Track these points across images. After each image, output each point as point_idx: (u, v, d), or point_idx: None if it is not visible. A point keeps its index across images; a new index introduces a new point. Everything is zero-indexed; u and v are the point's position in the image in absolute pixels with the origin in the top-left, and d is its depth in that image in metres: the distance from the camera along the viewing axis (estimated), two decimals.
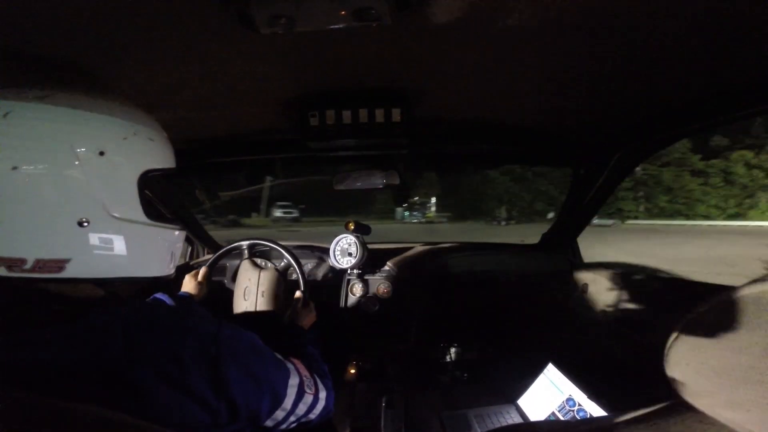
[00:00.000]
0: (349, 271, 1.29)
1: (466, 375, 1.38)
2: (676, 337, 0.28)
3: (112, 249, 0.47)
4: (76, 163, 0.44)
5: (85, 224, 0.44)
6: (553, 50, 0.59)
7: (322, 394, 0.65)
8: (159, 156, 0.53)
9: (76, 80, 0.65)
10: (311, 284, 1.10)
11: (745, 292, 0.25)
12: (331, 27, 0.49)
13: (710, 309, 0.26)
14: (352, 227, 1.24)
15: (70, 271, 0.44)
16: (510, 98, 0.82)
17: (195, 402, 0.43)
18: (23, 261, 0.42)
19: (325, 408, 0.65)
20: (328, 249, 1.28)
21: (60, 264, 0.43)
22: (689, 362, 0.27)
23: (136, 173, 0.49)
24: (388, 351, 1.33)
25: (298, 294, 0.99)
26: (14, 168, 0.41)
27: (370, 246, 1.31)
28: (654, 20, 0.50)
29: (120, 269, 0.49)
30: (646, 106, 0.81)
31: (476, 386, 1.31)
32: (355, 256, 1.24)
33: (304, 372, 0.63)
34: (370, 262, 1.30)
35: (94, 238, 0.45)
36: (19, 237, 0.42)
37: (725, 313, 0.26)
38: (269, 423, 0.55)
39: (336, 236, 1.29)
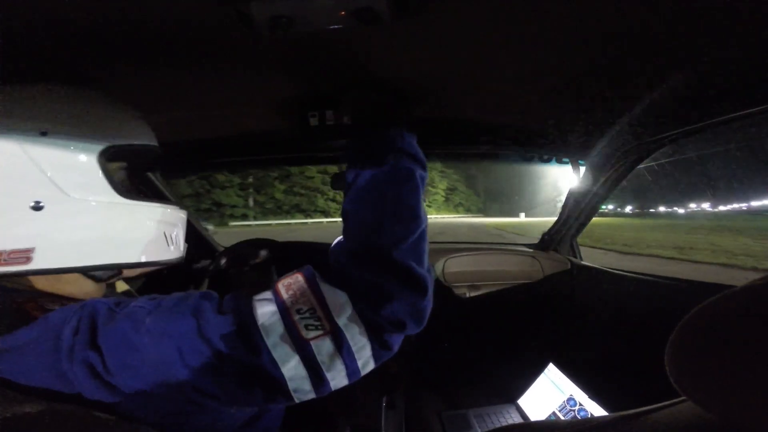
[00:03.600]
0: None
1: (466, 375, 1.38)
2: (678, 336, 0.28)
3: (81, 233, 0.44)
4: (15, 144, 0.42)
5: (42, 207, 0.42)
6: (552, 50, 0.59)
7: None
8: (121, 132, 0.50)
9: (78, 81, 0.65)
10: None
11: (748, 289, 0.25)
12: (331, 27, 0.49)
13: (711, 307, 0.26)
14: None
15: (39, 262, 0.42)
16: (510, 98, 0.82)
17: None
18: None
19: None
20: (328, 247, 1.28)
21: (25, 254, 0.41)
22: (690, 361, 0.27)
23: (94, 151, 0.46)
24: None
25: None
26: None
27: None
28: (653, 21, 0.50)
29: (100, 255, 0.45)
30: (645, 106, 0.81)
31: (476, 386, 1.31)
32: None
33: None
34: None
35: (54, 223, 0.42)
36: None
37: (727, 312, 0.26)
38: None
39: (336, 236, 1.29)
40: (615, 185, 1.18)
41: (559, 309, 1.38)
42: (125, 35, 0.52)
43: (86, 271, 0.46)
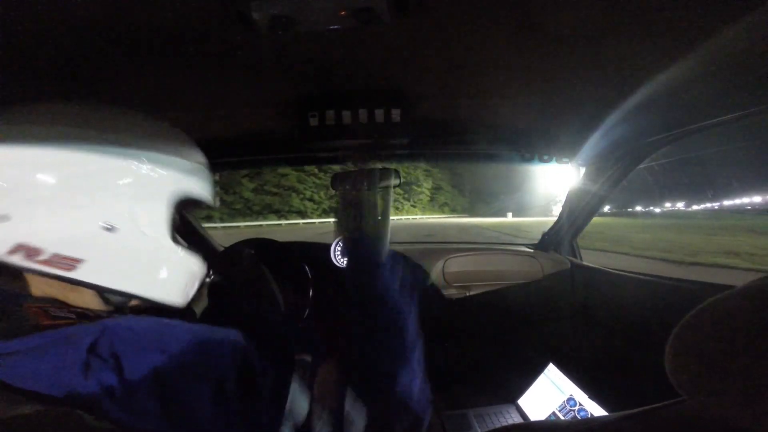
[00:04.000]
0: None
1: (466, 375, 1.38)
2: (678, 335, 0.28)
3: (127, 262, 0.47)
4: (122, 160, 0.45)
5: (111, 229, 0.45)
6: (552, 50, 0.59)
7: None
8: (199, 186, 0.54)
9: (79, 82, 0.66)
10: (311, 283, 1.09)
11: (747, 289, 0.25)
12: (331, 27, 0.49)
13: (711, 307, 0.26)
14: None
15: (81, 273, 0.43)
16: (510, 98, 0.82)
17: None
18: (39, 251, 0.42)
19: None
20: (328, 247, 1.28)
21: (73, 262, 0.43)
22: (691, 360, 0.27)
23: (174, 194, 0.50)
24: None
25: None
26: (61, 162, 0.42)
27: None
28: (651, 22, 0.50)
29: (130, 284, 0.47)
30: (646, 106, 0.81)
31: (476, 386, 1.31)
32: None
33: None
34: None
35: (114, 245, 0.45)
36: (45, 227, 0.42)
37: (727, 311, 0.26)
38: None
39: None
40: (615, 185, 1.18)
41: (559, 309, 1.38)
42: (125, 35, 0.52)
43: (114, 295, 0.48)
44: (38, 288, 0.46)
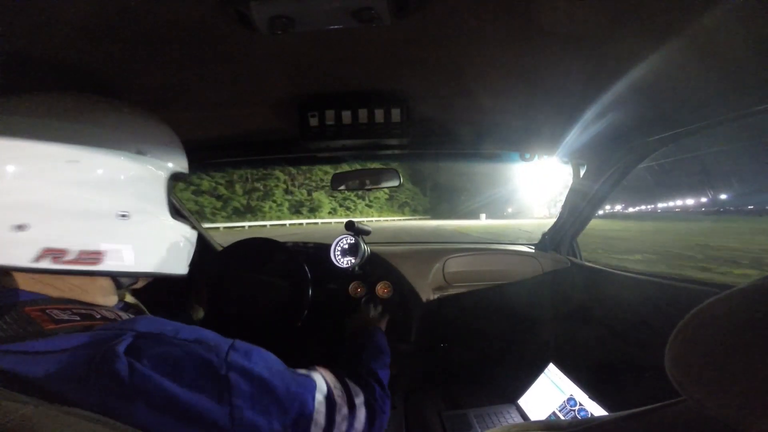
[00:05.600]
0: (349, 271, 1.29)
1: (466, 375, 1.38)
2: (678, 335, 0.28)
3: (144, 244, 0.50)
4: (117, 157, 0.47)
5: (127, 216, 0.47)
6: (553, 50, 0.59)
7: (359, 406, 0.56)
8: (184, 160, 0.58)
9: (80, 82, 0.66)
10: (311, 283, 1.09)
11: (748, 289, 0.25)
12: (331, 27, 0.49)
13: (712, 307, 0.26)
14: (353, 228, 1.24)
15: (106, 264, 0.46)
16: (510, 98, 0.82)
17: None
18: (65, 252, 0.43)
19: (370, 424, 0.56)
20: (329, 248, 1.28)
21: (97, 256, 0.45)
22: (691, 360, 0.27)
23: (167, 174, 0.54)
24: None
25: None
26: (70, 161, 0.44)
27: (370, 246, 1.31)
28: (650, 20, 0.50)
29: (145, 265, 0.50)
30: (645, 106, 0.81)
31: (476, 386, 1.31)
32: (356, 256, 1.24)
33: (331, 380, 0.56)
34: (370, 263, 1.30)
35: (131, 231, 0.48)
36: (67, 227, 0.44)
37: (727, 311, 0.26)
38: None
39: (336, 236, 1.29)
40: (615, 184, 1.18)
41: (559, 309, 1.38)
42: (124, 35, 0.53)
43: (135, 277, 0.52)
44: (50, 288, 0.45)
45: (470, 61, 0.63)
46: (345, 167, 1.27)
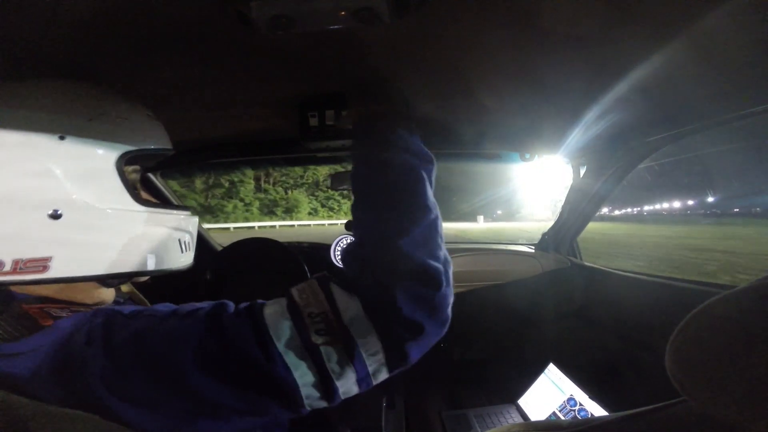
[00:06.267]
0: None
1: (466, 375, 1.38)
2: (679, 335, 0.28)
3: (99, 241, 0.43)
4: (34, 149, 0.40)
5: (60, 216, 0.40)
6: (554, 50, 0.59)
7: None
8: (139, 136, 0.48)
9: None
10: None
11: (748, 289, 0.25)
12: (331, 27, 0.49)
13: (712, 307, 0.26)
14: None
15: (56, 271, 0.41)
16: (510, 98, 0.82)
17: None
18: (1, 264, 0.39)
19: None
20: (328, 248, 1.28)
21: (42, 263, 0.40)
22: (692, 360, 0.27)
23: (112, 156, 0.45)
24: None
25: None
26: None
27: None
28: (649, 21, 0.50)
29: (117, 264, 0.44)
30: (646, 106, 0.81)
31: (476, 386, 1.31)
32: None
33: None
34: None
35: (72, 231, 0.41)
36: None
37: (727, 312, 0.26)
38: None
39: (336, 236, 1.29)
40: (615, 184, 1.18)
41: (559, 309, 1.38)
42: (123, 35, 0.52)
43: (102, 280, 0.45)
44: (48, 289, 0.45)
45: (470, 60, 0.63)
46: (344, 167, 1.27)
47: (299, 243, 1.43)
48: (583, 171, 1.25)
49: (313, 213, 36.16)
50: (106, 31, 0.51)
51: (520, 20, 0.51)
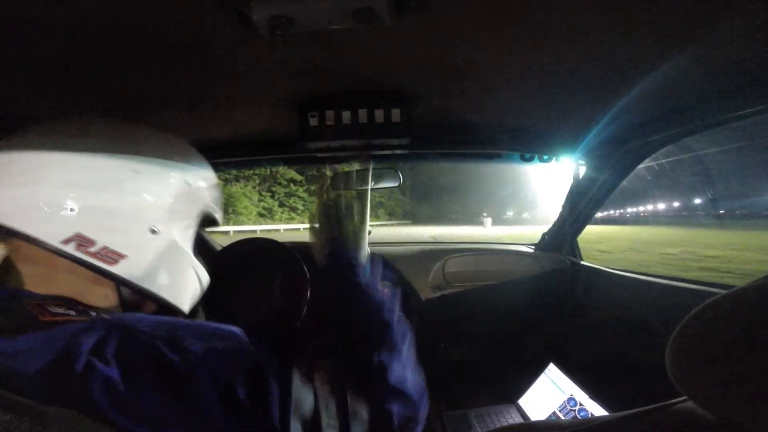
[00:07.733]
0: None
1: (466, 375, 1.38)
2: (679, 335, 0.28)
3: (160, 263, 0.51)
4: (172, 182, 0.52)
5: (156, 232, 0.50)
6: (552, 49, 0.59)
7: None
8: (219, 210, 0.61)
9: (80, 83, 0.66)
10: (309, 283, 1.09)
11: (747, 290, 0.25)
12: (331, 27, 0.49)
13: (712, 307, 0.26)
14: None
15: (121, 268, 0.46)
16: (510, 98, 0.82)
17: None
18: (92, 243, 0.45)
19: None
20: None
21: (117, 257, 0.46)
22: (691, 360, 0.27)
23: (201, 211, 0.57)
24: None
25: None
26: (133, 171, 0.48)
27: (369, 246, 1.31)
28: (649, 24, 0.50)
29: (156, 285, 0.51)
30: (646, 106, 0.81)
31: (476, 386, 1.31)
32: None
33: None
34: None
35: (155, 248, 0.50)
36: (104, 221, 0.46)
37: (727, 312, 0.26)
38: None
39: None
40: (615, 185, 1.18)
41: (559, 309, 1.38)
42: (124, 35, 0.53)
43: (135, 294, 0.51)
44: (52, 285, 0.46)
45: (470, 60, 0.63)
46: (344, 167, 1.27)
47: (298, 243, 1.43)
48: (582, 171, 1.25)
49: (266, 215, 27.57)
50: (105, 32, 0.51)
51: (519, 21, 0.51)
